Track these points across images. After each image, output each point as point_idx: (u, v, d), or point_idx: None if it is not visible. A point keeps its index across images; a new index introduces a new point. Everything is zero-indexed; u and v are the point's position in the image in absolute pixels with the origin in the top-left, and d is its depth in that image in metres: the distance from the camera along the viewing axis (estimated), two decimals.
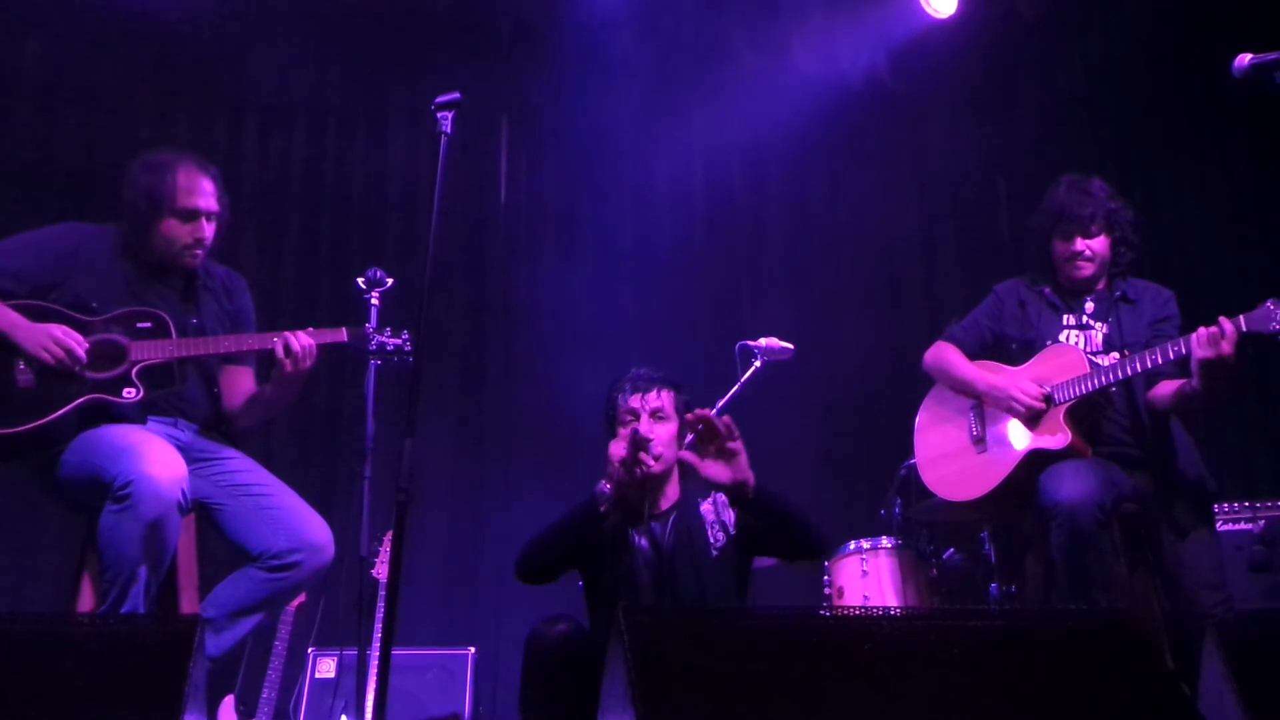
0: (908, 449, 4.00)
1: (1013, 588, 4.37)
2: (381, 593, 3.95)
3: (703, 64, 6.14)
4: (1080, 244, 3.68)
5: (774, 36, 6.07)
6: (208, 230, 3.34)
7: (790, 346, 4.26)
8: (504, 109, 6.14)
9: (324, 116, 6.06)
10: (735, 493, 2.93)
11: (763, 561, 3.69)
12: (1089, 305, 3.74)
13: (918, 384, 4.01)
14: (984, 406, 3.70)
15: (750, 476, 2.91)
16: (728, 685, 1.94)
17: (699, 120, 6.18)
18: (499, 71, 5.97)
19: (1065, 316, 3.73)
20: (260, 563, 3.15)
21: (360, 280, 3.81)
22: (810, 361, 4.72)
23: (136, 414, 3.17)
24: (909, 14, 5.90)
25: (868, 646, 2.02)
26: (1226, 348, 3.20)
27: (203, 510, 3.23)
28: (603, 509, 3.04)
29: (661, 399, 3.18)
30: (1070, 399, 3.49)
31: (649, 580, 3.10)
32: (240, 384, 3.43)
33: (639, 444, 3.04)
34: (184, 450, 3.14)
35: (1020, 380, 3.59)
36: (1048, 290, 3.78)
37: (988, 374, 3.71)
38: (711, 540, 3.13)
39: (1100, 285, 3.75)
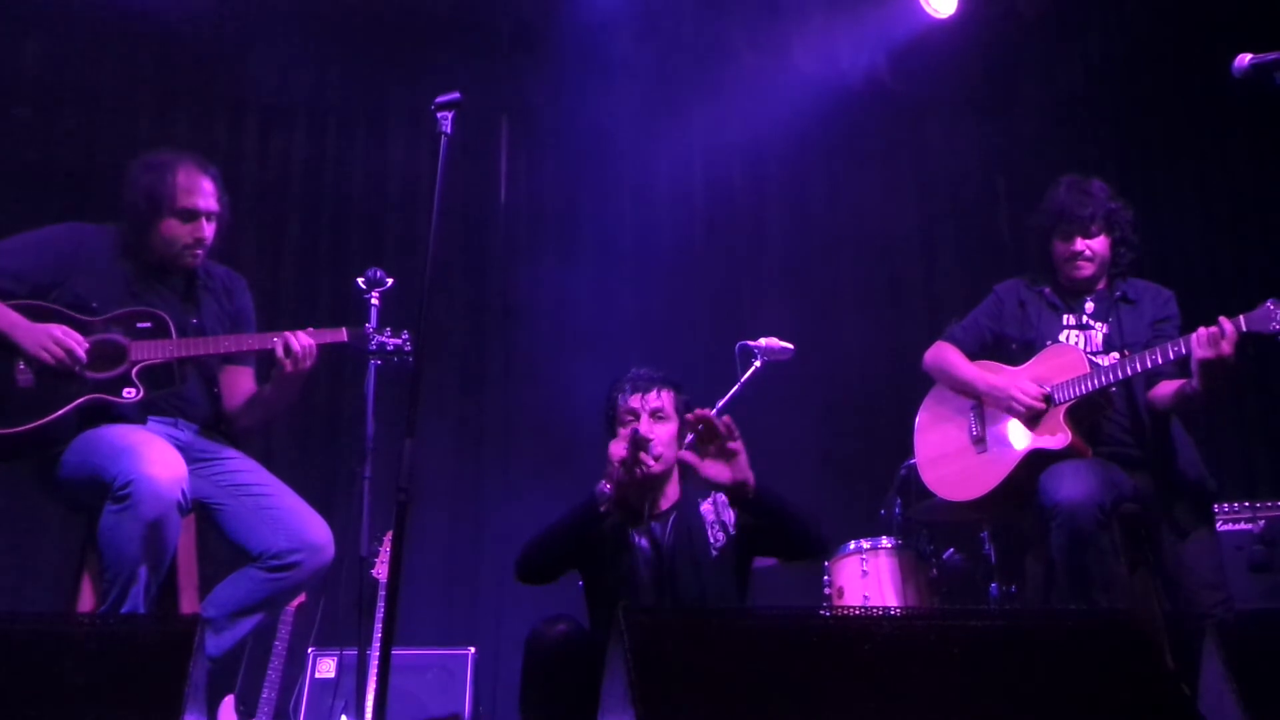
0: (908, 449, 4.00)
1: (1013, 588, 4.37)
2: (381, 593, 3.95)
3: (703, 64, 6.13)
4: (1080, 244, 3.68)
5: (774, 36, 6.07)
6: (208, 230, 3.33)
7: (790, 346, 4.25)
8: (504, 109, 6.14)
9: (324, 116, 6.06)
10: (735, 493, 2.93)
11: (763, 561, 3.68)
12: (1089, 305, 3.73)
13: (918, 384, 4.01)
14: (984, 406, 3.70)
15: (750, 476, 2.91)
16: (728, 685, 1.94)
17: (699, 120, 6.18)
18: (499, 71, 5.97)
19: (1065, 316, 3.73)
20: (260, 563, 3.14)
21: (360, 280, 3.82)
22: (810, 361, 4.71)
23: (136, 414, 3.17)
24: (909, 14, 5.90)
25: (868, 646, 2.02)
26: (1226, 348, 3.20)
27: (203, 510, 3.23)
28: (603, 509, 3.04)
29: (661, 399, 3.19)
30: (1070, 399, 3.49)
31: (649, 580, 3.10)
32: (240, 384, 3.43)
33: (639, 444, 3.03)
34: (184, 450, 3.14)
35: (1020, 380, 3.59)
36: (1048, 290, 3.78)
37: (988, 374, 3.71)
38: (711, 540, 3.13)
39: (1100, 285, 3.75)
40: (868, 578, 4.41)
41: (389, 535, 3.72)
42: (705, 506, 3.19)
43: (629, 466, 3.03)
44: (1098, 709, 2.00)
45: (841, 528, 4.69)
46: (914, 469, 4.07)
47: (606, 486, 3.04)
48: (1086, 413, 3.52)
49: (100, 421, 3.10)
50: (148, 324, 3.20)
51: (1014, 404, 3.56)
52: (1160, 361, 3.36)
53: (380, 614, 3.82)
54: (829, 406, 5.79)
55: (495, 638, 5.21)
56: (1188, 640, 2.85)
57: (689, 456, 2.96)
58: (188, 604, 3.24)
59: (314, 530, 3.21)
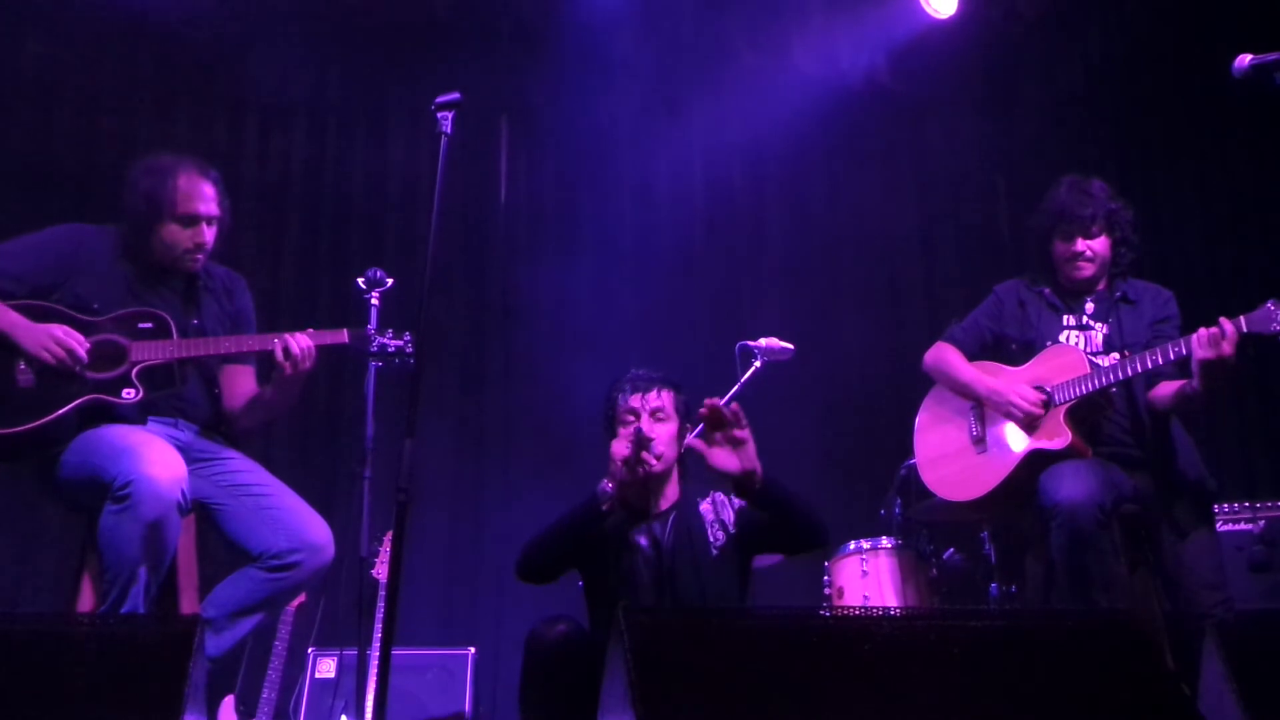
0: (908, 449, 4.00)
1: (1013, 588, 4.37)
2: (381, 593, 3.95)
3: (703, 64, 6.13)
4: (1081, 244, 3.68)
5: (774, 36, 6.07)
6: (208, 235, 3.34)
7: (790, 346, 4.25)
8: (504, 109, 6.14)
9: (324, 116, 6.05)
10: (743, 482, 2.92)
11: (763, 561, 3.69)
12: (1089, 306, 3.73)
13: (918, 384, 4.01)
14: (984, 407, 3.70)
15: (758, 465, 2.91)
16: (728, 685, 1.94)
17: (699, 120, 6.18)
18: (499, 71, 5.96)
19: (1065, 317, 3.73)
20: (260, 563, 3.15)
21: (360, 280, 3.81)
22: (810, 361, 4.72)
23: (136, 414, 3.17)
24: (909, 14, 5.90)
25: (868, 646, 2.02)
26: (1227, 348, 3.20)
27: (203, 510, 3.23)
28: (605, 508, 3.05)
29: (662, 398, 3.19)
30: (1070, 399, 3.49)
31: (649, 580, 3.10)
32: (241, 384, 3.43)
33: (642, 443, 3.04)
34: (184, 451, 3.14)
35: (1019, 385, 3.59)
36: (1048, 291, 3.78)
37: (987, 377, 3.71)
38: (711, 539, 3.13)
39: (1100, 286, 3.75)
40: (868, 578, 4.41)
41: (389, 535, 3.72)
42: (704, 506, 3.19)
43: (632, 465, 3.03)
44: (1098, 709, 2.00)
45: (841, 528, 4.68)
46: (914, 469, 4.07)
47: (608, 486, 3.04)
48: (1086, 413, 3.52)
49: (100, 422, 3.10)
50: (149, 324, 3.20)
51: (1012, 409, 3.56)
52: (1160, 362, 3.36)
53: (380, 614, 3.82)
54: (829, 406, 5.79)
55: (495, 638, 5.21)
56: (1188, 640, 2.85)
57: (698, 444, 2.96)
58: (188, 604, 3.24)
59: (314, 530, 3.21)
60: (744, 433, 2.89)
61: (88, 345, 3.10)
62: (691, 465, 3.30)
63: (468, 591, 5.50)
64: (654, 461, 3.07)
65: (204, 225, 3.32)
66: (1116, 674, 2.05)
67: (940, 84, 6.21)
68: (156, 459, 2.97)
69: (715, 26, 6.08)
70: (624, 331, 5.70)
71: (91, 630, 2.07)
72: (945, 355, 3.82)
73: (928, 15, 5.84)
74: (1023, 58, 6.34)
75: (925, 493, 3.98)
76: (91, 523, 3.03)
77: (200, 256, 3.35)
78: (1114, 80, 6.23)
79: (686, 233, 6.16)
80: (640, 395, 3.18)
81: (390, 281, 3.81)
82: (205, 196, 3.32)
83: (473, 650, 4.58)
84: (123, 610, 2.93)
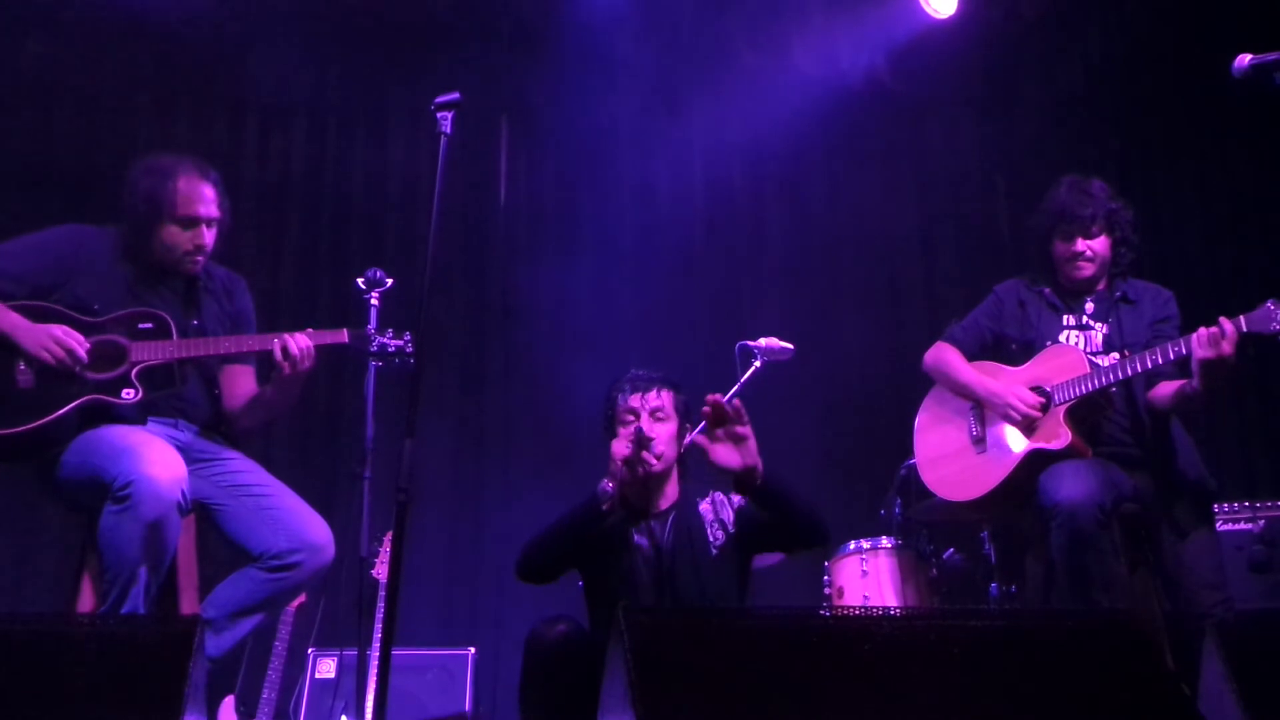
0: (908, 449, 4.00)
1: (1013, 588, 4.37)
2: (381, 593, 3.95)
3: (703, 64, 6.13)
4: (1081, 244, 3.68)
5: (774, 36, 6.07)
6: (208, 237, 3.33)
7: (790, 346, 4.25)
8: (504, 109, 6.14)
9: (324, 116, 6.05)
10: (744, 478, 2.93)
11: (763, 561, 3.68)
12: (1089, 305, 3.74)
13: (918, 384, 4.01)
14: (984, 408, 3.70)
15: (759, 462, 2.91)
16: (728, 685, 1.93)
17: (699, 120, 6.18)
18: (499, 71, 5.96)
19: (1065, 317, 3.73)
20: (260, 563, 3.15)
21: (360, 281, 3.81)
22: (810, 361, 4.71)
23: (136, 415, 3.17)
24: (909, 14, 5.90)
25: (868, 646, 2.02)
26: (1227, 348, 3.21)
27: (203, 511, 3.23)
28: (605, 508, 3.05)
29: (661, 398, 3.19)
30: (1070, 399, 3.49)
31: (649, 579, 3.10)
32: (241, 384, 3.43)
33: (643, 442, 3.04)
34: (184, 451, 3.14)
35: (1017, 388, 3.59)
36: (1048, 290, 3.78)
37: (986, 379, 3.71)
38: (711, 539, 3.14)
39: (1100, 285, 3.75)
40: (868, 578, 4.41)
41: (389, 535, 3.72)
42: (704, 506, 3.20)
43: (632, 465, 3.04)
44: (1098, 709, 2.00)
45: (841, 528, 4.68)
46: (914, 469, 4.07)
47: (609, 485, 3.05)
48: (1086, 413, 3.52)
49: (100, 422, 3.10)
50: (149, 325, 3.21)
51: (1011, 411, 3.57)
52: (1160, 362, 3.36)
53: (380, 614, 3.82)
54: (829, 406, 5.79)
55: (495, 638, 5.21)
56: (1188, 640, 2.85)
57: (701, 440, 2.96)
58: (188, 604, 3.24)
59: (314, 530, 3.21)
60: (745, 429, 2.90)
61: (88, 345, 3.10)
62: (691, 465, 3.31)
63: (468, 591, 5.50)
64: (654, 461, 3.08)
65: (204, 227, 3.32)
66: (1116, 674, 2.05)
67: (940, 84, 6.21)
68: (157, 459, 2.97)
69: (715, 26, 6.08)
70: (624, 331, 5.70)
71: (91, 630, 2.07)
72: (945, 355, 3.82)
73: (927, 15, 5.84)
74: (1023, 58, 6.34)
75: (925, 493, 3.98)
76: (91, 523, 3.03)
77: (200, 258, 3.35)
78: (1114, 80, 6.23)
79: (686, 233, 6.16)
80: (640, 395, 3.18)
81: (390, 281, 3.81)
82: (205, 198, 3.32)
83: (473, 650, 4.58)
84: (123, 610, 2.93)
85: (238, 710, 3.70)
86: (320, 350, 3.28)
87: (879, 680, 1.98)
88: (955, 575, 4.66)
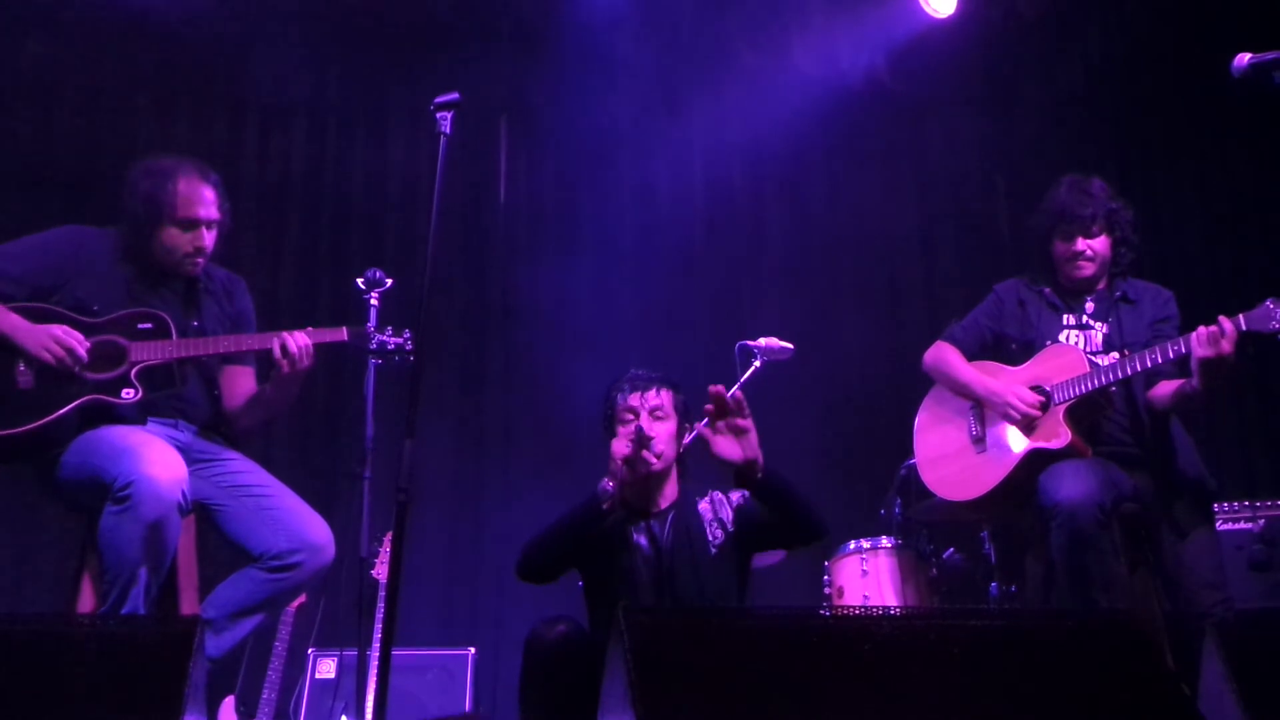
0: (908, 449, 4.00)
1: (1013, 588, 4.37)
2: (381, 593, 3.95)
3: (703, 64, 6.13)
4: (1081, 244, 3.68)
5: (774, 36, 6.07)
6: (208, 239, 3.33)
7: (790, 346, 4.25)
8: (504, 109, 6.14)
9: (324, 116, 6.05)
10: (744, 471, 2.93)
11: (763, 561, 3.69)
12: (1089, 305, 3.74)
13: (918, 384, 4.01)
14: (984, 407, 3.70)
15: (759, 455, 2.92)
16: (728, 685, 1.93)
17: (699, 120, 6.18)
18: (499, 71, 5.96)
19: (1065, 316, 3.73)
20: (261, 563, 3.15)
21: (360, 281, 3.81)
22: (810, 361, 4.72)
23: (136, 415, 3.17)
24: (909, 14, 5.90)
25: (868, 646, 2.02)
26: (1226, 347, 3.21)
27: (203, 511, 3.23)
28: (605, 507, 3.05)
29: (660, 397, 3.20)
30: (1070, 399, 3.49)
31: (648, 579, 3.11)
32: (240, 384, 3.43)
33: (643, 441, 3.05)
34: (184, 451, 3.14)
35: (1017, 387, 3.59)
36: (1048, 290, 3.78)
37: (986, 378, 3.71)
38: (710, 538, 3.14)
39: (1100, 285, 3.76)
40: (868, 578, 4.41)
41: (389, 535, 3.72)
42: (703, 505, 3.20)
43: (632, 464, 3.04)
44: (1098, 709, 2.00)
45: (841, 528, 4.69)
46: (914, 469, 4.07)
47: (609, 484, 3.05)
48: (1086, 412, 3.52)
49: (100, 422, 3.10)
50: (148, 325, 3.21)
51: (1010, 411, 3.57)
52: (1160, 361, 3.36)
53: (380, 614, 3.82)
54: (829, 406, 5.79)
55: (495, 638, 5.21)
56: (1188, 640, 2.85)
57: (703, 430, 2.96)
58: (188, 605, 3.24)
59: (314, 530, 3.21)
60: (746, 422, 2.90)
61: (88, 345, 3.10)
62: (690, 465, 3.31)
63: (468, 591, 5.50)
64: (654, 460, 3.08)
65: (204, 229, 3.32)
66: (1116, 674, 2.05)
67: (940, 84, 6.21)
68: (157, 459, 2.97)
69: (715, 26, 6.08)
70: (624, 331, 5.70)
71: (91, 631, 2.07)
72: (945, 355, 3.83)
73: (927, 15, 5.84)
74: (1023, 58, 6.34)
75: (925, 493, 3.98)
76: (91, 523, 3.03)
77: (200, 260, 3.35)
78: (1114, 80, 6.23)
79: (686, 233, 6.16)
80: (639, 394, 3.19)
81: (390, 282, 3.81)
82: (205, 200, 3.32)
83: (473, 650, 4.58)
84: (123, 611, 2.93)
85: (238, 710, 3.70)
86: (319, 349, 3.28)
87: (879, 680, 1.98)
88: (955, 575, 4.66)
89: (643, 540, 3.15)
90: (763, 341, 4.24)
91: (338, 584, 3.87)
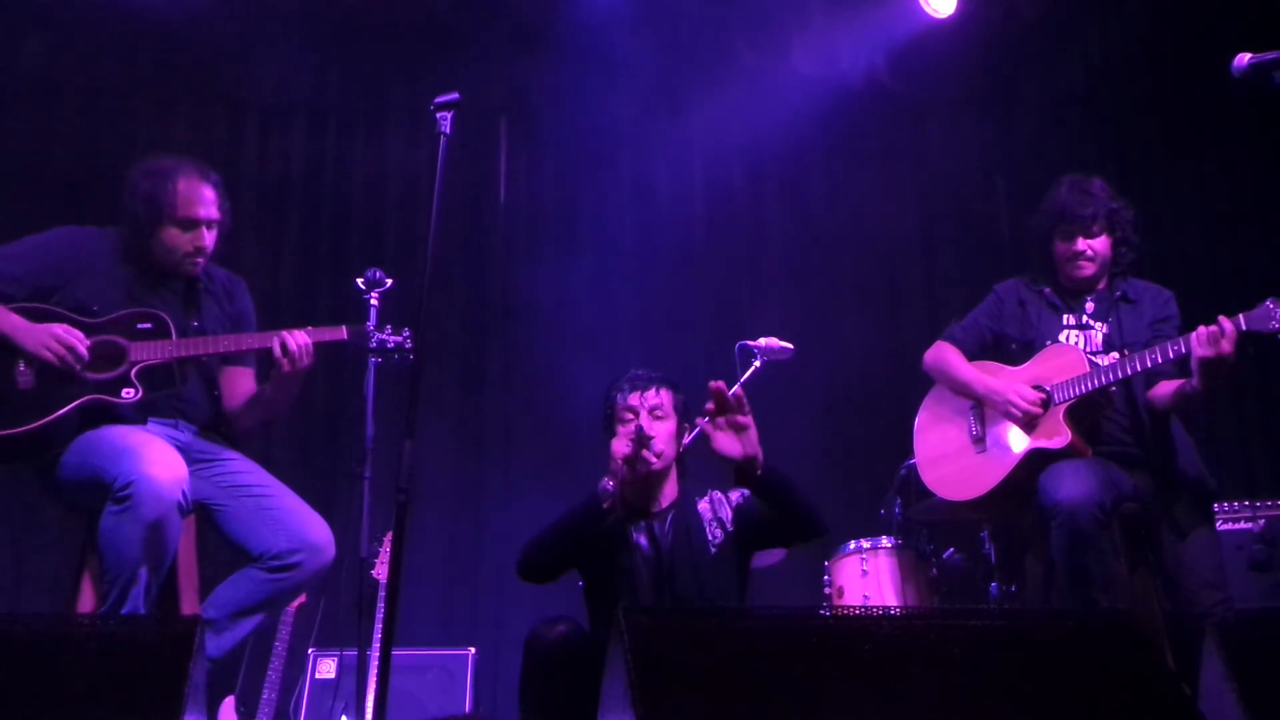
0: (908, 449, 4.00)
1: (1013, 588, 4.38)
2: (381, 593, 3.95)
3: (703, 64, 6.13)
4: (1081, 244, 3.68)
5: (774, 36, 6.07)
6: (208, 239, 3.33)
7: (790, 346, 4.26)
8: (504, 109, 6.14)
9: (324, 116, 6.05)
10: (744, 467, 2.93)
11: (763, 560, 3.69)
12: (1089, 305, 3.74)
13: (918, 384, 4.01)
14: (984, 407, 3.71)
15: (759, 452, 2.92)
16: (728, 685, 1.93)
17: (699, 120, 6.18)
18: (499, 71, 5.96)
19: (1065, 316, 3.73)
20: (261, 563, 3.15)
21: (360, 281, 3.81)
22: (810, 361, 4.72)
23: (136, 415, 3.17)
24: (909, 14, 5.90)
25: (868, 646, 2.02)
26: (1226, 346, 3.21)
27: (203, 511, 3.23)
28: (606, 506, 3.05)
29: (660, 397, 3.20)
30: (1070, 399, 3.49)
31: (648, 579, 3.11)
32: (240, 384, 3.43)
33: (643, 440, 3.05)
34: (184, 451, 3.14)
35: (1018, 385, 3.59)
36: (1048, 290, 3.78)
37: (986, 377, 3.71)
38: (710, 538, 3.14)
39: (1101, 285, 3.76)
40: (868, 578, 4.41)
41: (389, 535, 3.72)
42: (702, 505, 3.20)
43: (632, 463, 3.04)
44: (1098, 709, 2.00)
45: (841, 528, 4.69)
46: (914, 469, 4.07)
47: (610, 484, 3.05)
48: (1086, 412, 3.52)
49: (100, 423, 3.10)
50: (148, 325, 3.21)
51: (1011, 409, 3.57)
52: (1160, 361, 3.36)
53: (380, 614, 3.82)
54: (829, 406, 5.79)
55: (495, 638, 5.21)
56: (1188, 640, 2.85)
57: (705, 425, 2.96)
58: (188, 605, 3.24)
59: (314, 530, 3.21)
60: (746, 418, 2.91)
61: (88, 344, 3.10)
62: (690, 465, 3.31)
63: (468, 591, 5.51)
64: (654, 459, 3.08)
65: (204, 229, 3.32)
66: (1116, 674, 2.05)
67: (940, 84, 6.21)
68: (157, 459, 2.97)
69: (715, 26, 6.07)
70: (624, 331, 5.70)
71: (91, 631, 2.07)
72: (945, 355, 3.83)
73: (927, 15, 5.84)
74: (1023, 58, 6.34)
75: (925, 492, 3.98)
76: (91, 523, 3.03)
77: (200, 260, 3.35)
78: (1114, 80, 6.23)
79: (686, 233, 6.16)
80: (639, 393, 3.19)
81: (390, 282, 3.81)
82: (205, 200, 3.32)
83: (473, 650, 4.58)
84: (123, 611, 2.93)
85: (238, 710, 3.70)
86: (319, 348, 3.28)
87: (879, 680, 1.98)
88: (955, 575, 4.66)
89: (643, 540, 3.15)
90: (763, 341, 4.24)
91: (338, 584, 3.87)
